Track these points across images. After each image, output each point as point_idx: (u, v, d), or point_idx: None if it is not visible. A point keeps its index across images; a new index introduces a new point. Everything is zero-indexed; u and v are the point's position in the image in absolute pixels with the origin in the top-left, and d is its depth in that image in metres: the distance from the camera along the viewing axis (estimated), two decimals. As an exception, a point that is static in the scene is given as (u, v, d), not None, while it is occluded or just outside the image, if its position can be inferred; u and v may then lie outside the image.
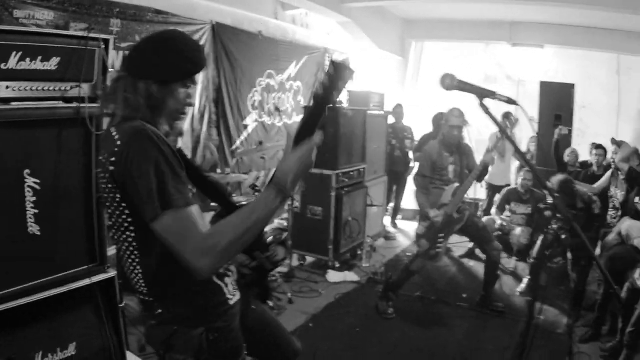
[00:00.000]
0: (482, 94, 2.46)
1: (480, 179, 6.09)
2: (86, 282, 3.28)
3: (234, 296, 2.39)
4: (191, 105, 2.26)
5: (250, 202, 2.07)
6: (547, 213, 2.40)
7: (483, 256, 6.89)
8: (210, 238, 1.93)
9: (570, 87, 9.95)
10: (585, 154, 9.26)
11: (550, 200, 2.25)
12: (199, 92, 7.37)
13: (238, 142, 8.54)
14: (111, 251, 4.68)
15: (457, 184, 5.99)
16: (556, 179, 6.69)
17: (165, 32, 2.28)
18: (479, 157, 6.18)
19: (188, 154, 7.34)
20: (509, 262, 8.20)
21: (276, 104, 9.28)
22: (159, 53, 2.14)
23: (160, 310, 2.27)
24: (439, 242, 6.10)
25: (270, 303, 2.53)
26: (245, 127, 8.71)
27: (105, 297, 3.45)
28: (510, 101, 2.48)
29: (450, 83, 2.48)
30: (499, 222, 8.48)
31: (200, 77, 7.33)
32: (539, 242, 6.62)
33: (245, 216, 1.98)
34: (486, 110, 2.46)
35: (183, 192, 2.00)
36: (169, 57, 2.14)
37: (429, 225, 5.95)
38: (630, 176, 6.26)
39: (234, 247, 1.98)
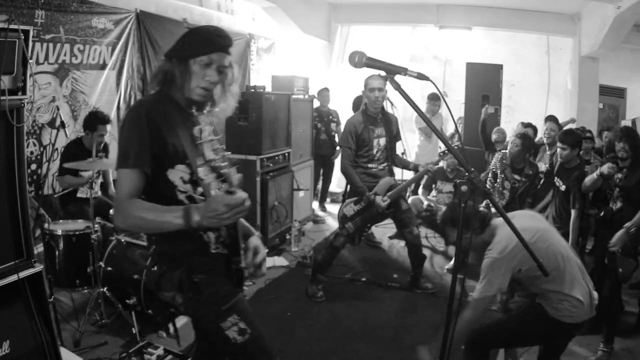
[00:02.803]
0: (392, 70, 2.47)
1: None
2: (14, 278, 3.23)
3: (216, 248, 2.74)
4: (212, 81, 2.60)
5: (174, 207, 2.42)
6: (464, 188, 2.44)
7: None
8: (131, 204, 2.42)
9: (498, 67, 10.11)
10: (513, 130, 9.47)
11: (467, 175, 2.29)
12: (123, 81, 7.27)
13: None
14: (39, 247, 4.63)
15: (388, 177, 6.03)
16: (519, 131, 6.91)
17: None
18: (406, 136, 6.28)
19: (114, 143, 7.24)
20: (439, 241, 8.37)
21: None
22: (185, 36, 2.64)
23: (154, 248, 2.80)
24: (365, 230, 6.18)
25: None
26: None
27: (34, 293, 3.41)
28: (421, 76, 2.46)
29: (360, 60, 2.47)
30: (425, 202, 8.63)
31: (125, 66, 7.25)
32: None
33: (158, 213, 2.40)
34: (397, 87, 2.49)
35: (130, 156, 2.43)
36: (189, 39, 2.62)
37: (362, 208, 6.00)
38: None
39: (137, 222, 2.43)
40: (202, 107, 2.74)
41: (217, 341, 2.74)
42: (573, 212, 5.57)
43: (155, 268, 2.75)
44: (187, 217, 2.32)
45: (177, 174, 2.55)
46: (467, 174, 2.46)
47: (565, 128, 7.28)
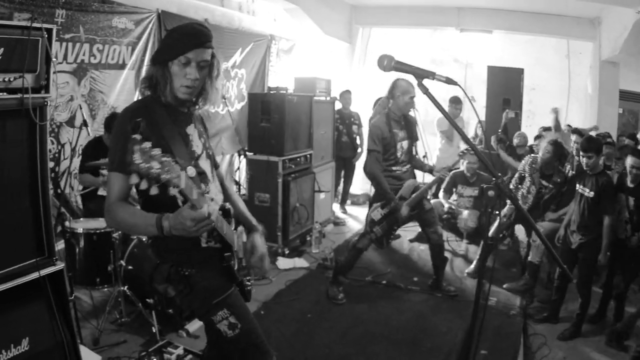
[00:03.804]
0: (421, 74, 2.48)
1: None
2: (35, 275, 3.23)
3: (207, 242, 2.81)
4: (193, 78, 2.65)
5: (150, 214, 2.51)
6: (490, 193, 2.42)
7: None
8: (117, 207, 2.55)
9: (519, 71, 10.05)
10: (534, 135, 9.42)
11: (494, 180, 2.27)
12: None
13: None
14: (60, 245, 4.63)
15: (412, 180, 6.00)
16: (549, 140, 6.86)
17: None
18: (427, 139, 6.27)
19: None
20: (459, 245, 8.33)
21: (223, 93, 9.19)
22: (162, 40, 2.81)
23: (149, 242, 2.94)
24: (392, 233, 6.15)
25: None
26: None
27: (54, 290, 3.41)
28: (449, 81, 2.48)
29: (388, 64, 2.48)
30: (446, 205, 8.60)
31: (144, 66, 7.22)
32: (495, 224, 6.77)
33: (138, 218, 2.54)
34: (425, 90, 2.48)
35: (115, 159, 2.56)
36: (164, 41, 2.79)
37: (388, 212, 5.95)
38: None
39: (121, 225, 2.65)
40: (194, 104, 2.87)
41: (212, 334, 2.86)
42: (607, 219, 5.47)
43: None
44: (159, 226, 2.43)
45: None
46: (493, 178, 2.44)
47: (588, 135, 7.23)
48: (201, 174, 2.80)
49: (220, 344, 2.85)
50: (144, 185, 2.21)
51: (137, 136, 2.17)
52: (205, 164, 2.89)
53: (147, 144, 2.15)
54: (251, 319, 2.91)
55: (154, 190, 2.20)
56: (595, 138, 6.00)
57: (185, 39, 2.63)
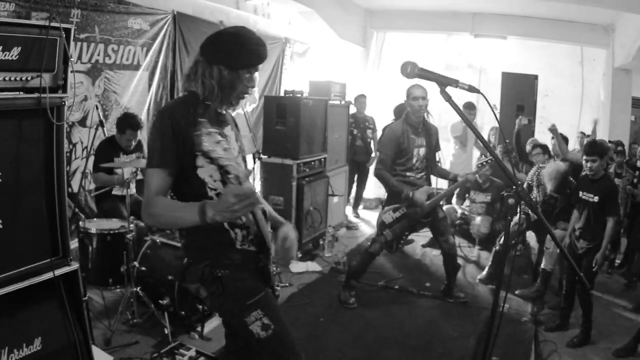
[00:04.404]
0: (444, 81, 2.46)
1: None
2: (49, 275, 3.23)
3: (242, 245, 2.80)
4: (253, 87, 2.80)
5: (192, 203, 2.49)
6: (511, 201, 2.41)
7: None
8: (157, 200, 2.54)
9: (533, 77, 9.99)
10: (547, 143, 9.38)
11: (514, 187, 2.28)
12: (155, 82, 7.25)
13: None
14: (73, 244, 4.64)
15: (427, 186, 5.95)
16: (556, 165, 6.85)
17: (237, 27, 2.82)
18: (442, 144, 6.24)
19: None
20: (471, 251, 8.29)
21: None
22: (230, 44, 2.68)
23: (182, 241, 2.90)
24: (403, 238, 6.12)
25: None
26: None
27: (68, 291, 3.41)
28: (472, 89, 2.48)
29: (412, 71, 2.48)
30: (459, 211, 8.57)
31: (158, 67, 7.25)
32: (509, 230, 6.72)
33: (179, 209, 2.54)
34: (448, 98, 2.47)
35: (155, 157, 2.58)
36: (239, 48, 2.68)
37: (400, 216, 5.94)
38: None
39: (160, 218, 2.57)
40: (235, 107, 2.90)
41: (242, 336, 2.86)
42: (610, 221, 5.45)
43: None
44: (202, 213, 2.39)
45: (207, 172, 2.66)
46: (513, 186, 2.42)
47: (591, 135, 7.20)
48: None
49: (252, 345, 2.84)
50: (205, 169, 2.46)
51: (204, 120, 2.47)
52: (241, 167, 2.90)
53: (214, 130, 2.42)
54: (284, 321, 2.89)
55: (207, 167, 2.48)
56: (598, 142, 5.99)
57: (262, 51, 2.72)
